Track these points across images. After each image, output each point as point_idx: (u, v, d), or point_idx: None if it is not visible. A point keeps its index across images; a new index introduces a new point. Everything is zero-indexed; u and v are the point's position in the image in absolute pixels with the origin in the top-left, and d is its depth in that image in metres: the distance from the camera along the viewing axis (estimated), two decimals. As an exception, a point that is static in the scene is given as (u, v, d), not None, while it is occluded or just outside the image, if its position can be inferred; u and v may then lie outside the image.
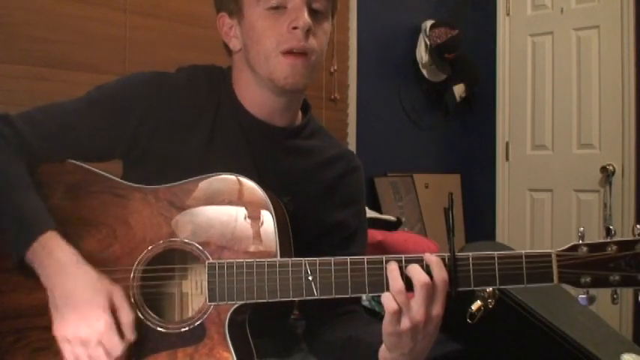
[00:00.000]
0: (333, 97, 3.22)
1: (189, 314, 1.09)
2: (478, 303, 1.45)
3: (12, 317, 1.07)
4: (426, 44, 3.68)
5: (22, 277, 1.06)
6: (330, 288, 1.00)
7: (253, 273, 1.02)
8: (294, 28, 1.11)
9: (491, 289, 1.45)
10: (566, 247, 0.96)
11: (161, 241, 1.07)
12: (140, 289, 1.07)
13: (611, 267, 0.94)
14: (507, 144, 4.00)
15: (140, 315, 1.06)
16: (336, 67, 3.20)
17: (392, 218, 2.93)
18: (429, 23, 3.69)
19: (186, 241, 1.07)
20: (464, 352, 1.74)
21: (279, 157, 1.22)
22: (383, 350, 1.00)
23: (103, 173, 1.13)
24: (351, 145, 3.32)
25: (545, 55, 3.84)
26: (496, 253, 0.97)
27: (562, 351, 1.57)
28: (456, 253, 0.97)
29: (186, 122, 1.17)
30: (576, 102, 3.71)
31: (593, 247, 0.95)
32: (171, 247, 1.07)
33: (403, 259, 0.98)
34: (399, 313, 0.94)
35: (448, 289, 0.96)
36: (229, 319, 1.03)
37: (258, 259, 1.02)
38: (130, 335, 1.02)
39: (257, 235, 1.05)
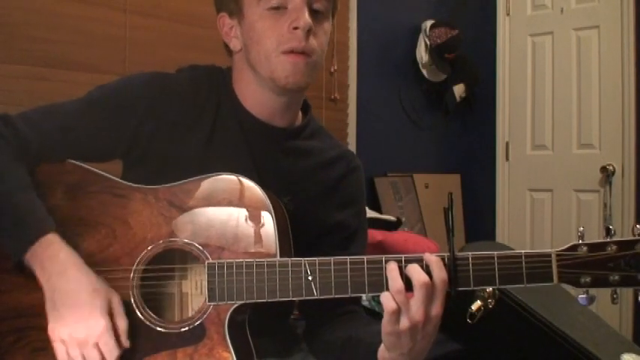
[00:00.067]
0: (333, 97, 3.22)
1: (189, 314, 1.09)
2: (478, 303, 1.45)
3: (12, 317, 1.07)
4: (426, 44, 3.68)
5: (21, 277, 1.06)
6: (329, 288, 1.00)
7: (253, 273, 1.02)
8: (295, 28, 1.11)
9: (491, 289, 1.45)
10: (566, 247, 0.96)
11: (161, 241, 1.07)
12: (140, 289, 1.07)
13: (611, 267, 0.94)
14: (507, 144, 4.00)
15: (140, 315, 1.06)
16: (336, 67, 3.20)
17: (392, 218, 2.93)
18: (429, 23, 3.69)
19: (186, 241, 1.07)
20: (464, 352, 1.74)
21: (279, 158, 1.22)
22: (382, 350, 1.00)
23: (102, 173, 1.13)
24: (351, 145, 3.32)
25: (545, 55, 3.84)
26: (496, 253, 0.97)
27: (562, 351, 1.57)
28: (456, 253, 0.97)
29: (187, 122, 1.17)
30: (576, 102, 3.70)
31: (593, 247, 0.95)
32: (171, 247, 1.07)
33: (403, 259, 0.98)
34: (398, 313, 0.95)
35: (448, 289, 0.96)
36: (229, 319, 1.03)
37: (257, 259, 1.02)
38: (125, 342, 1.02)
39: (257, 236, 1.05)
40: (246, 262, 1.02)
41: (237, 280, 1.02)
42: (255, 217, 1.06)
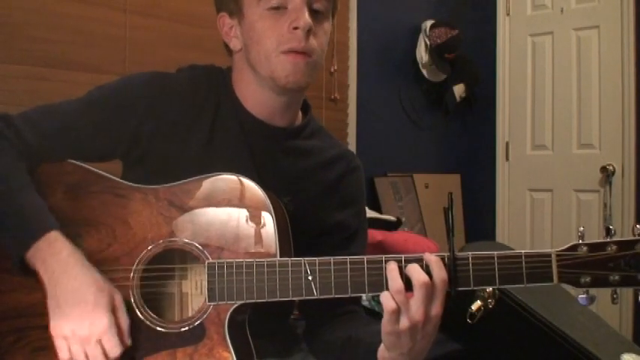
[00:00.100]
0: (333, 97, 3.22)
1: (189, 314, 1.09)
2: (478, 303, 1.45)
3: (12, 317, 1.07)
4: (426, 44, 3.68)
5: (22, 276, 1.06)
6: (329, 288, 1.00)
7: (253, 273, 1.02)
8: (295, 28, 1.11)
9: (491, 289, 1.45)
10: (566, 246, 0.96)
11: (161, 241, 1.07)
12: (140, 288, 1.07)
13: (611, 267, 0.94)
14: (507, 144, 4.01)
15: (140, 315, 1.06)
16: (336, 67, 3.20)
17: (392, 218, 2.93)
18: (429, 23, 3.69)
19: (186, 241, 1.07)
20: (464, 352, 1.74)
21: (279, 157, 1.22)
22: (382, 350, 1.00)
23: (102, 173, 1.13)
24: (351, 145, 3.32)
25: (545, 55, 3.84)
26: (496, 252, 0.97)
27: (562, 351, 1.57)
28: (456, 253, 0.97)
29: (186, 122, 1.17)
30: (576, 102, 3.71)
31: (593, 247, 0.95)
32: (171, 247, 1.07)
33: (403, 258, 0.98)
34: (397, 313, 0.95)
35: (448, 289, 0.96)
36: (229, 319, 1.03)
37: (257, 259, 1.02)
38: (127, 339, 1.02)
39: (257, 236, 1.05)
40: (246, 262, 1.02)
41: (237, 280, 1.02)
42: (255, 218, 1.06)
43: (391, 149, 3.64)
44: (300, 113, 1.27)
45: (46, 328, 1.02)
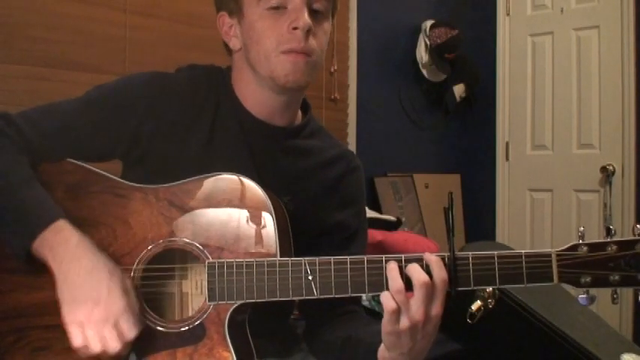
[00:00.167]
0: (333, 97, 3.22)
1: (189, 314, 1.09)
2: (478, 303, 1.45)
3: (12, 317, 1.07)
4: (426, 44, 3.68)
5: (22, 276, 1.06)
6: (329, 288, 1.00)
7: (253, 273, 1.02)
8: (295, 28, 1.11)
9: (491, 289, 1.45)
10: (566, 246, 0.96)
11: (161, 241, 1.07)
12: (140, 288, 1.07)
13: (611, 267, 0.94)
14: (507, 144, 4.01)
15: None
16: (336, 67, 3.20)
17: (392, 218, 2.93)
18: (429, 23, 3.69)
19: (187, 240, 1.07)
20: (464, 352, 1.74)
21: (279, 157, 1.22)
22: (382, 350, 1.00)
23: (103, 173, 1.13)
24: (351, 145, 3.32)
25: (545, 55, 3.84)
26: (496, 252, 0.97)
27: (562, 351, 1.57)
28: (456, 253, 0.97)
29: (186, 122, 1.17)
30: (576, 102, 3.71)
31: (593, 247, 0.95)
32: (171, 247, 1.07)
33: (403, 258, 0.98)
34: (397, 313, 0.95)
35: (448, 289, 0.96)
36: (229, 319, 1.03)
37: (257, 259, 1.02)
38: (140, 323, 1.01)
39: (257, 236, 1.05)
40: (246, 261, 1.02)
41: (237, 279, 1.02)
42: (255, 218, 1.06)
43: (391, 149, 3.64)
44: (299, 113, 1.27)
45: (46, 327, 1.02)
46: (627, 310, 3.40)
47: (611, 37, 3.56)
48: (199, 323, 1.04)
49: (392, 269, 0.96)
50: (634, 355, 1.58)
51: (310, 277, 1.00)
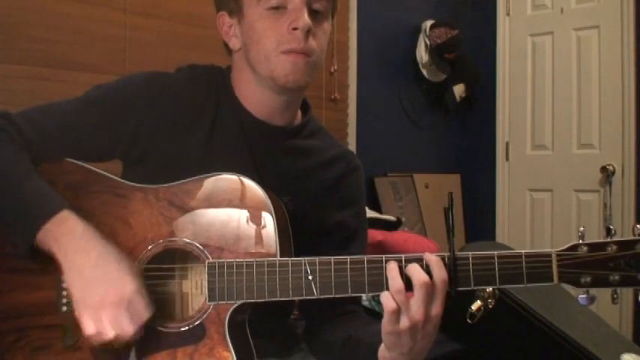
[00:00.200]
0: (333, 97, 3.22)
1: (189, 314, 1.09)
2: (478, 303, 1.45)
3: (12, 317, 1.07)
4: (426, 44, 3.68)
5: (22, 276, 1.06)
6: (329, 288, 1.00)
7: (253, 273, 1.02)
8: (294, 28, 1.11)
9: (491, 289, 1.45)
10: (566, 246, 0.96)
11: (161, 241, 1.07)
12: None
13: (611, 267, 0.94)
14: (507, 144, 4.01)
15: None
16: (336, 67, 3.20)
17: (392, 218, 2.93)
18: (429, 23, 3.69)
19: (187, 240, 1.07)
20: (464, 352, 1.74)
21: (279, 157, 1.22)
22: (382, 350, 1.00)
23: (103, 173, 1.13)
24: (351, 145, 3.32)
25: (545, 55, 3.84)
26: (496, 252, 0.97)
27: (562, 351, 1.57)
28: (456, 253, 0.97)
29: (186, 122, 1.17)
30: (576, 102, 3.71)
31: (593, 247, 0.95)
32: (171, 247, 1.07)
33: (403, 258, 0.98)
34: (397, 312, 0.95)
35: (448, 289, 0.96)
36: (229, 319, 1.03)
37: (257, 259, 1.02)
38: (151, 307, 1.01)
39: (257, 236, 1.05)
40: (246, 261, 1.02)
41: (238, 279, 1.02)
42: (255, 218, 1.06)
43: (391, 149, 3.64)
44: (299, 113, 1.27)
45: (46, 327, 1.02)
46: (627, 310, 3.40)
47: (611, 37, 3.56)
48: (199, 323, 1.04)
49: (392, 269, 0.96)
50: (634, 355, 1.58)
51: (310, 277, 1.00)
